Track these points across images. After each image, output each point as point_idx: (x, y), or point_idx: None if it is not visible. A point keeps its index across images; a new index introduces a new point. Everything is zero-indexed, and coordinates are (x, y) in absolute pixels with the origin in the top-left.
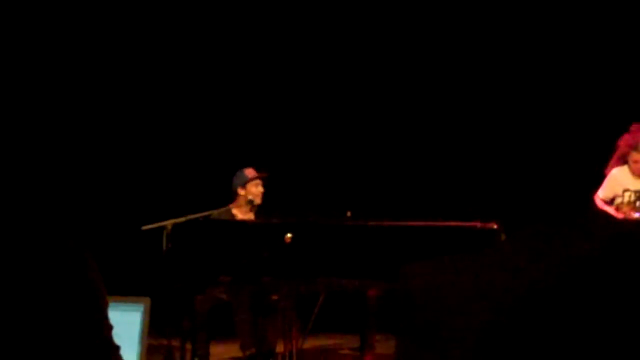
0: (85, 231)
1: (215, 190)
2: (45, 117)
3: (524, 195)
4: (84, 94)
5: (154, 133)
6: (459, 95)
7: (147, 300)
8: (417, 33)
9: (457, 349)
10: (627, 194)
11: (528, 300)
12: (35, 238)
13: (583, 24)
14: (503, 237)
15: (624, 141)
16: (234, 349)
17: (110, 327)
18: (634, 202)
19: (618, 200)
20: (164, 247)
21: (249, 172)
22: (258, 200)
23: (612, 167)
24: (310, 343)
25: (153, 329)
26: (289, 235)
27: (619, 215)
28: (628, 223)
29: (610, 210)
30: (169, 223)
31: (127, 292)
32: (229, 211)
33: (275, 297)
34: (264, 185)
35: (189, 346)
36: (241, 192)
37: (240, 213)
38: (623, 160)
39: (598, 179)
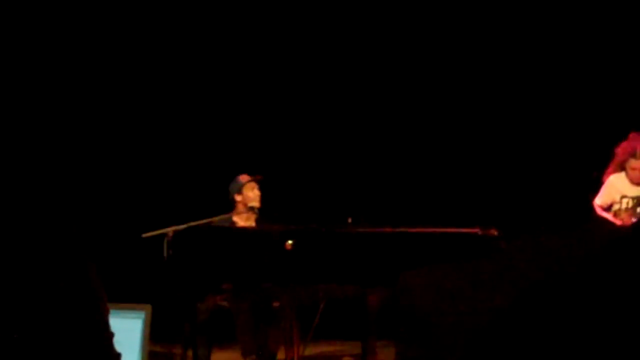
0: (86, 238)
1: (216, 198)
2: (48, 124)
3: (524, 202)
4: (86, 101)
5: (155, 141)
6: (459, 103)
7: (148, 307)
8: (418, 39)
9: (457, 353)
10: (624, 201)
11: (527, 305)
12: (36, 245)
13: (582, 32)
14: (503, 243)
15: (621, 148)
16: (235, 356)
17: (111, 335)
18: (632, 208)
19: (616, 207)
20: (165, 255)
21: (243, 177)
22: (256, 204)
23: (610, 174)
24: (311, 350)
25: (154, 336)
26: (289, 242)
27: (617, 222)
28: (626, 229)
29: (609, 216)
30: (169, 230)
31: (128, 299)
32: (230, 219)
33: (276, 304)
34: (260, 189)
35: (190, 353)
36: (238, 198)
37: (241, 220)
38: (621, 168)
39: (597, 186)
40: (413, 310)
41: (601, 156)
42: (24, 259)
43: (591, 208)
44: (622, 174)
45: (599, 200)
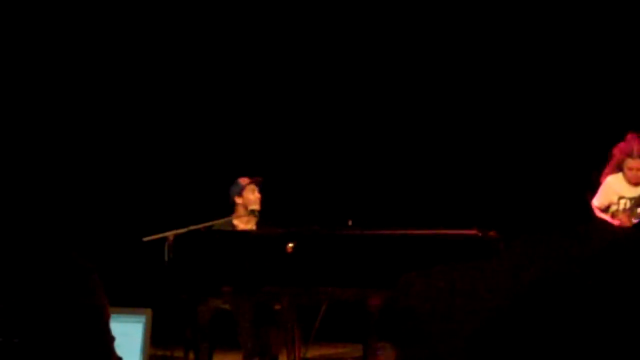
0: (86, 243)
1: (216, 202)
2: (49, 128)
3: (522, 204)
4: (87, 105)
5: (155, 144)
6: (458, 105)
7: (149, 311)
8: (415, 45)
9: (457, 355)
10: (622, 202)
11: (527, 307)
12: (37, 250)
13: (579, 33)
14: (502, 245)
15: (619, 149)
16: (237, 359)
17: (112, 339)
18: (630, 209)
19: (613, 208)
20: (166, 258)
21: (243, 180)
22: (257, 206)
23: (607, 175)
24: (312, 352)
25: (156, 340)
26: (290, 244)
27: (615, 223)
28: (625, 230)
29: (606, 217)
30: (170, 234)
31: (128, 303)
32: (230, 222)
33: (277, 307)
34: (260, 191)
35: (191, 356)
36: (238, 200)
37: (242, 223)
38: (618, 168)
39: (595, 187)
40: (412, 313)
41: (599, 157)
42: (25, 264)
43: (590, 209)
44: (620, 175)
45: (596, 202)
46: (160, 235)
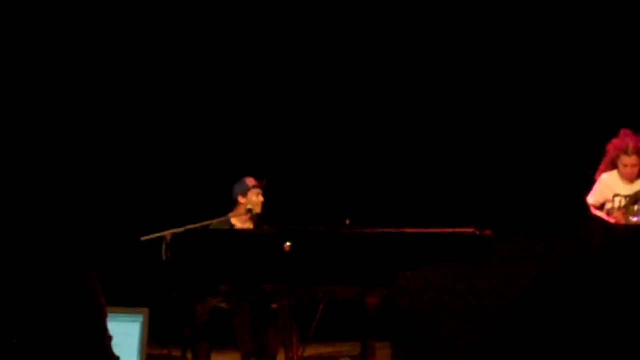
0: (84, 242)
1: (213, 200)
2: (47, 127)
3: (517, 202)
4: (86, 104)
5: (152, 143)
6: (453, 104)
7: (146, 311)
8: (409, 40)
9: (454, 353)
10: (617, 199)
11: (524, 304)
12: (35, 249)
13: (573, 31)
14: (498, 243)
15: (613, 146)
16: (235, 358)
17: (109, 338)
18: (625, 207)
19: (609, 206)
20: (164, 258)
21: (250, 180)
22: (258, 210)
23: (602, 172)
24: (310, 351)
25: (154, 339)
26: (288, 243)
27: (611, 221)
28: (623, 228)
29: (602, 215)
30: (168, 233)
31: (126, 303)
32: (228, 221)
33: (275, 306)
34: (263, 195)
35: (189, 356)
36: (242, 200)
37: (240, 222)
38: (613, 165)
39: (590, 184)
40: (410, 310)
41: (595, 154)
42: (22, 263)
43: (586, 207)
44: (615, 172)
45: (591, 199)
46: (158, 234)
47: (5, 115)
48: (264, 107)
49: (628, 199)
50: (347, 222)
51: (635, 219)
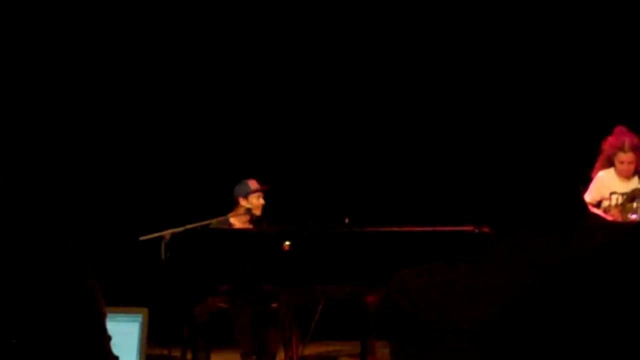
0: (83, 242)
1: (213, 200)
2: (45, 129)
3: (516, 200)
4: (85, 104)
5: (151, 143)
6: (451, 102)
7: (145, 310)
8: (406, 39)
9: (451, 351)
10: (614, 197)
11: (523, 302)
12: (33, 248)
13: (568, 29)
14: (496, 241)
15: (608, 143)
16: (234, 357)
17: (108, 338)
18: (622, 204)
19: (605, 203)
20: (163, 257)
21: (252, 183)
22: (258, 212)
23: (598, 170)
24: (310, 350)
25: (153, 339)
26: (287, 243)
27: (608, 218)
28: (622, 226)
29: (599, 213)
30: (167, 233)
31: (125, 302)
32: (227, 220)
33: (274, 305)
34: (264, 198)
35: (189, 355)
36: (243, 202)
37: (239, 222)
38: (609, 163)
39: (586, 182)
40: (407, 310)
41: (592, 151)
42: (20, 263)
43: (584, 204)
44: (611, 170)
45: (588, 197)
46: (157, 234)
47: (5, 115)
48: (263, 106)
49: (625, 196)
50: (346, 221)
51: (633, 217)
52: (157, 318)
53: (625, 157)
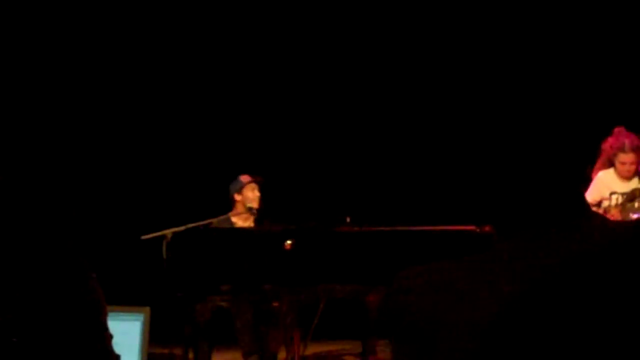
0: (84, 240)
1: (214, 199)
2: (47, 126)
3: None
4: (85, 103)
5: (153, 142)
6: (453, 101)
7: (147, 309)
8: (409, 41)
9: (453, 352)
10: (614, 197)
11: (524, 303)
12: (34, 247)
13: (568, 30)
14: (498, 240)
15: (608, 144)
16: (236, 357)
17: (110, 337)
18: (622, 204)
19: (605, 203)
20: (164, 256)
21: (244, 177)
22: (255, 205)
23: (598, 170)
24: (311, 349)
25: (155, 338)
26: (289, 242)
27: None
28: (623, 225)
29: (600, 212)
30: (168, 232)
31: (127, 301)
32: (229, 219)
33: (276, 304)
34: (260, 190)
35: (190, 354)
36: (238, 198)
37: (240, 220)
38: (609, 163)
39: (587, 182)
40: (408, 309)
41: (593, 149)
42: (21, 262)
43: (586, 203)
44: (611, 170)
45: (588, 197)
46: (159, 233)
47: (5, 115)
48: (264, 106)
49: (625, 196)
50: (348, 220)
51: (634, 216)
52: (159, 317)
53: (627, 158)
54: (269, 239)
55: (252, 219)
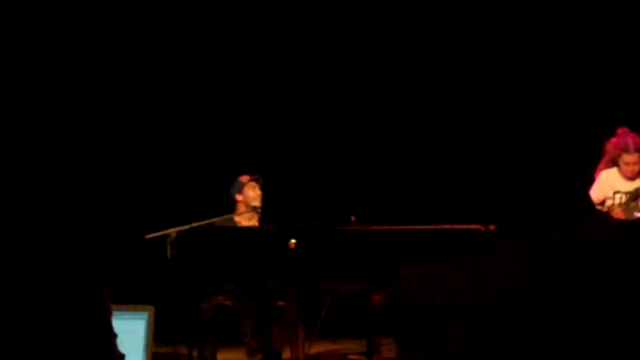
0: (88, 239)
1: (217, 198)
2: (50, 125)
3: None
4: (88, 102)
5: (157, 141)
6: (458, 100)
7: (151, 308)
8: (416, 39)
9: (456, 350)
10: (617, 196)
11: (527, 301)
12: (38, 247)
13: (572, 30)
14: (502, 239)
15: (612, 144)
16: (240, 356)
17: (114, 336)
18: (625, 203)
19: (609, 203)
20: (168, 255)
21: (244, 177)
22: (257, 203)
23: (601, 170)
24: (316, 348)
25: (159, 337)
26: (293, 241)
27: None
28: (626, 224)
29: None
30: (172, 231)
31: (131, 300)
32: (232, 219)
33: (280, 303)
34: (261, 188)
35: (195, 353)
36: (239, 198)
37: (243, 220)
38: (613, 163)
39: (591, 182)
40: (412, 308)
41: (597, 149)
42: (25, 261)
43: (590, 202)
44: (614, 169)
45: (592, 197)
46: (163, 232)
47: (8, 114)
48: (269, 105)
49: (628, 195)
50: (352, 219)
51: (638, 215)
52: (164, 316)
53: (631, 159)
54: (273, 238)
55: (256, 218)
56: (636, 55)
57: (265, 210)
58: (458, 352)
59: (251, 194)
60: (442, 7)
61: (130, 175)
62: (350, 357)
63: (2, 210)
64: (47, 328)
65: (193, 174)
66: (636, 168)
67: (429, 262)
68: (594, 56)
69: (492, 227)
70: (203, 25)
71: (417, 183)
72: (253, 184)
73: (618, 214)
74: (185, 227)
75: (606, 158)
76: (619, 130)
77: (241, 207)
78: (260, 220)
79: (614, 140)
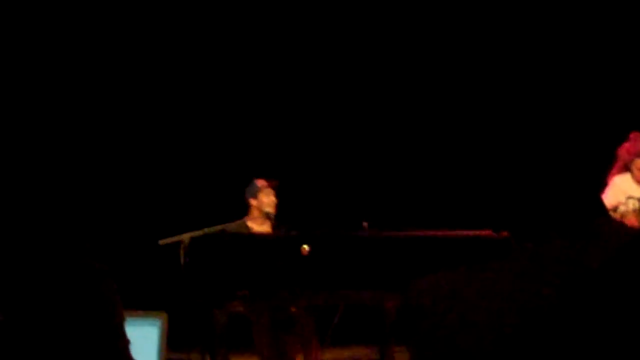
0: (101, 246)
1: (231, 204)
2: (63, 132)
3: (535, 204)
4: (101, 108)
5: (171, 147)
6: (471, 106)
7: (164, 315)
8: (429, 44)
9: (468, 358)
10: (630, 202)
11: (542, 308)
12: (51, 254)
13: (583, 32)
14: (514, 246)
15: (625, 150)
16: None
17: (127, 342)
18: (639, 209)
19: (622, 208)
20: (181, 262)
21: (260, 182)
22: (271, 210)
23: (614, 175)
24: (329, 355)
25: (172, 344)
26: (305, 247)
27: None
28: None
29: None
30: (186, 237)
31: (144, 307)
32: (244, 224)
33: (293, 310)
34: (276, 195)
35: None
36: (253, 202)
37: (256, 225)
38: (626, 169)
39: (603, 188)
40: (424, 315)
41: (608, 156)
42: (39, 269)
43: (604, 208)
44: (627, 175)
45: (604, 202)
46: (176, 238)
47: (21, 118)
48: (282, 111)
49: None
50: (365, 225)
51: None
52: (177, 322)
53: None
54: (286, 244)
55: (268, 223)
56: None
57: (278, 216)
58: (472, 358)
59: (265, 200)
60: (443, 8)
61: (144, 181)
62: None
63: (14, 217)
64: (59, 334)
65: (206, 179)
66: None
67: (440, 272)
68: (608, 63)
69: (504, 233)
70: (223, 32)
71: (430, 189)
72: (269, 190)
73: (631, 220)
74: (199, 232)
75: (619, 163)
76: (632, 136)
77: (254, 212)
78: (273, 226)
79: (626, 145)
